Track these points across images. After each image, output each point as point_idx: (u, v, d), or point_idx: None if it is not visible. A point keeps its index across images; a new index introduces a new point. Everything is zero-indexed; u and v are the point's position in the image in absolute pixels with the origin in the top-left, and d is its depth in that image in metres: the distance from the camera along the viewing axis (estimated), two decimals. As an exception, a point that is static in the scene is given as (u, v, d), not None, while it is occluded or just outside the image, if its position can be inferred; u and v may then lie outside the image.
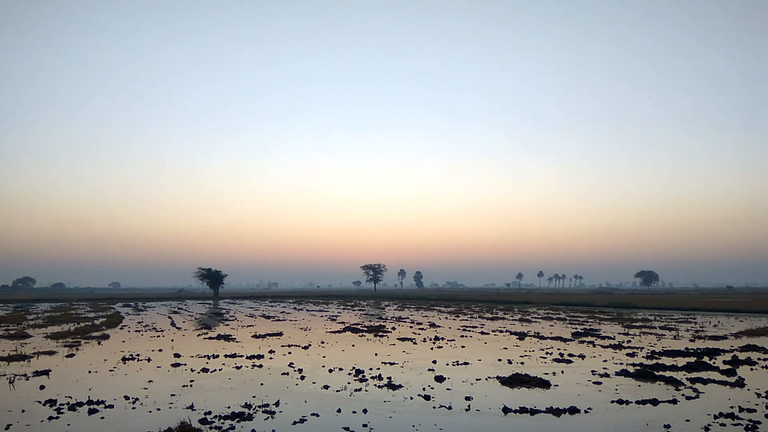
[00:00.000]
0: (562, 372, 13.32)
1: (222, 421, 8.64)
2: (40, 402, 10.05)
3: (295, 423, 8.56)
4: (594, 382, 11.87)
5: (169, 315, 42.51)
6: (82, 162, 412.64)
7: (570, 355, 16.39)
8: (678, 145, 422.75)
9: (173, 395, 10.68)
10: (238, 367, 14.30)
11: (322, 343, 20.67)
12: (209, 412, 9.13)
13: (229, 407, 9.56)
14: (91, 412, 9.28)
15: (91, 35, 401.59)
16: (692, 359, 15.19)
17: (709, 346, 18.89)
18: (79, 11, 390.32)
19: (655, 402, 9.79)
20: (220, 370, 13.96)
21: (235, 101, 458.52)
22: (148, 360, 15.88)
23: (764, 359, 15.55)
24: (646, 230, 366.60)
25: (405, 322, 32.80)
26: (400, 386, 11.47)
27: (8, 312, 48.26)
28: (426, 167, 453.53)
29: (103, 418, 8.94)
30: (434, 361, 15.22)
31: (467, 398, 10.25)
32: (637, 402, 9.81)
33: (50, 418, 8.91)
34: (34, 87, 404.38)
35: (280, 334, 24.42)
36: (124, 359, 15.92)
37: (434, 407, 9.59)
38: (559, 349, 17.80)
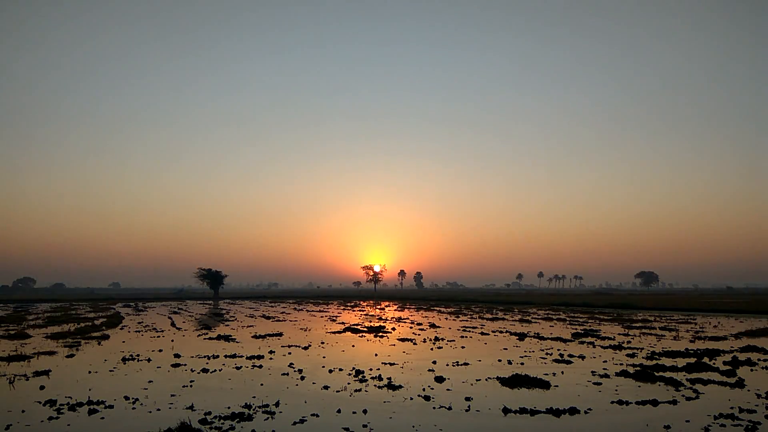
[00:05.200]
0: (562, 372, 13.31)
1: (222, 421, 8.64)
2: (40, 402, 10.04)
3: (295, 423, 8.56)
4: (594, 383, 11.86)
5: (169, 315, 42.49)
6: (82, 162, 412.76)
7: (570, 355, 16.38)
8: (678, 145, 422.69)
9: (173, 395, 10.68)
10: (238, 368, 14.29)
11: (322, 343, 20.66)
12: (209, 413, 9.13)
13: (229, 407, 9.56)
14: (91, 412, 9.28)
15: (96, 38, 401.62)
16: (692, 360, 15.18)
17: (709, 346, 18.88)
18: (81, 12, 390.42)
19: (655, 402, 9.79)
20: (220, 370, 13.95)
21: (234, 100, 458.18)
22: (148, 360, 15.87)
23: (764, 360, 15.55)
24: (646, 231, 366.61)
25: (405, 322, 32.79)
26: (400, 387, 11.47)
27: (8, 312, 48.23)
28: (426, 168, 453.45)
29: (103, 418, 8.94)
30: (434, 362, 15.21)
31: (467, 399, 10.25)
32: (637, 402, 9.81)
33: (50, 418, 8.90)
34: (35, 87, 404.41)
35: (280, 334, 24.42)
36: (124, 359, 15.91)
37: (434, 408, 9.59)
38: (559, 350, 17.79)
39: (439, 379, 12.30)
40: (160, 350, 18.38)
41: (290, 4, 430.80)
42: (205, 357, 16.48)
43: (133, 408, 9.63)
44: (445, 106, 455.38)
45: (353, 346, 19.75)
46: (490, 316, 39.21)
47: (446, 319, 36.10)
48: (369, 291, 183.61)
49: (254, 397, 10.53)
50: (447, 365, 14.62)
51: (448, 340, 21.17)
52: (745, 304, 52.26)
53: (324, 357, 16.54)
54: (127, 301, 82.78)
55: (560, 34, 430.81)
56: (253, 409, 9.43)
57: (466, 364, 14.86)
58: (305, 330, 27.24)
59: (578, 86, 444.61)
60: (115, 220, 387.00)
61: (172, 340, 21.91)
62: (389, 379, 12.37)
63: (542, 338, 21.90)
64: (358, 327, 28.21)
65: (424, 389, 11.21)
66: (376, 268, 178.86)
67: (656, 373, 12.76)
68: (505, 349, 18.34)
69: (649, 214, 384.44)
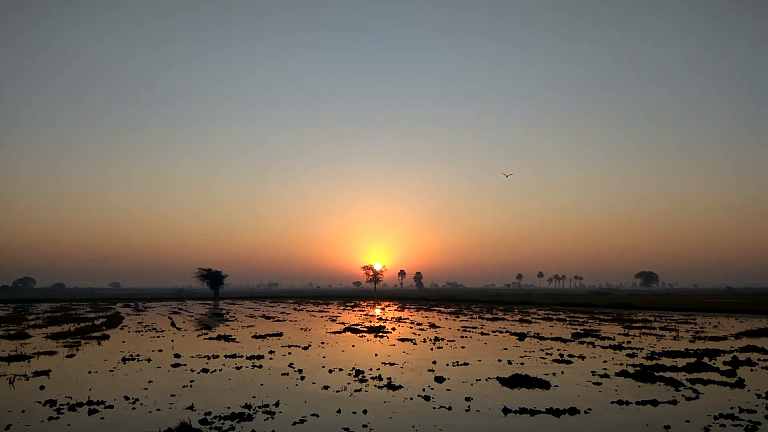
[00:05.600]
0: (562, 372, 13.31)
1: (222, 421, 8.64)
2: (40, 402, 10.04)
3: (295, 423, 8.56)
4: (594, 383, 11.86)
5: (169, 315, 42.48)
6: (82, 162, 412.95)
7: (570, 355, 16.38)
8: (678, 145, 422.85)
9: (173, 395, 10.68)
10: (238, 368, 14.29)
11: (322, 343, 20.66)
12: (209, 413, 9.13)
13: (229, 407, 9.56)
14: (91, 412, 9.28)
15: (99, 42, 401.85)
16: (692, 360, 15.18)
17: (709, 346, 18.87)
18: (86, 17, 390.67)
19: (655, 403, 9.79)
20: (220, 370, 13.95)
21: (233, 101, 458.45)
22: (148, 360, 15.87)
23: (764, 360, 15.55)
24: (646, 231, 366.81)
25: (405, 322, 32.79)
26: (400, 387, 11.47)
27: (8, 312, 48.23)
28: (426, 169, 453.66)
29: (103, 418, 8.93)
30: (434, 362, 15.21)
31: (467, 399, 10.25)
32: (637, 402, 9.81)
33: (50, 418, 8.90)
34: (36, 86, 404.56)
35: (280, 334, 24.41)
36: (124, 359, 15.91)
37: (434, 408, 9.59)
38: (559, 350, 17.79)
39: (439, 379, 12.30)
40: (160, 350, 18.37)
41: (299, 11, 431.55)
42: (205, 357, 16.48)
43: (133, 408, 9.63)
44: (445, 108, 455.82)
45: (353, 346, 19.74)
46: (490, 316, 39.20)
47: (446, 319, 36.09)
48: (369, 291, 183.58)
49: (254, 397, 10.53)
50: (447, 365, 14.61)
51: (448, 340, 21.16)
52: (745, 305, 52.24)
53: (324, 357, 16.54)
54: (127, 301, 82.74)
55: (560, 37, 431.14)
56: (253, 409, 9.43)
57: (466, 364, 14.86)
58: (305, 330, 27.23)
59: (578, 86, 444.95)
60: (115, 220, 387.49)
61: (172, 340, 21.90)
62: (389, 379, 12.36)
63: (542, 338, 21.89)
64: (358, 327, 28.20)
65: (424, 389, 11.21)
66: (377, 266, 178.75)
67: (656, 373, 12.76)
68: (505, 349, 18.34)
69: (650, 214, 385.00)
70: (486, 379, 12.37)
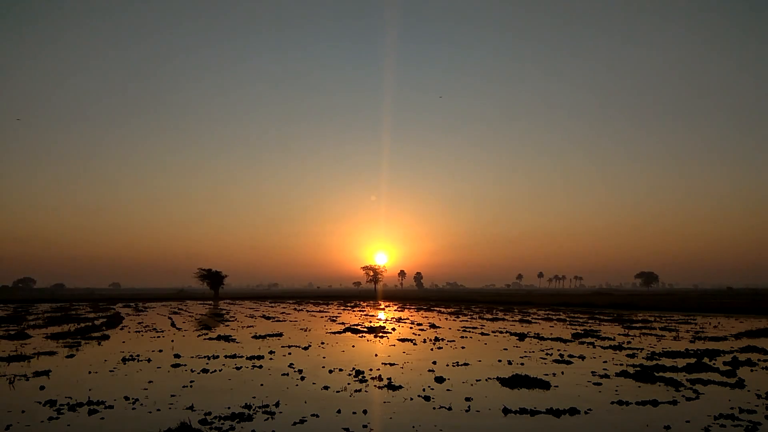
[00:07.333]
0: (562, 373, 13.31)
1: (222, 421, 8.64)
2: (40, 402, 10.05)
3: (295, 423, 8.56)
4: (594, 383, 11.86)
5: (169, 315, 42.47)
6: (82, 162, 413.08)
7: (570, 356, 16.38)
8: (678, 145, 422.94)
9: (173, 396, 10.68)
10: (238, 368, 14.29)
11: (322, 343, 20.65)
12: (209, 413, 9.13)
13: (229, 408, 9.56)
14: (91, 412, 9.28)
15: (98, 36, 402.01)
16: (692, 360, 15.18)
17: (709, 347, 18.87)
18: (81, 11, 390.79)
19: (655, 403, 9.79)
20: (220, 370, 13.95)
21: (233, 100, 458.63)
22: (148, 360, 15.87)
23: (764, 360, 15.54)
24: (647, 231, 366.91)
25: (405, 322, 32.77)
26: (400, 387, 11.47)
27: (8, 312, 48.23)
28: (426, 168, 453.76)
29: (103, 418, 8.94)
30: (434, 362, 15.21)
31: (467, 399, 10.25)
32: (637, 403, 9.81)
33: (50, 418, 8.90)
34: (36, 87, 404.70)
35: (280, 334, 24.41)
36: (124, 360, 15.91)
37: (434, 408, 9.59)
38: (559, 350, 17.79)
39: (439, 380, 12.30)
40: (160, 350, 18.37)
41: (297, 7, 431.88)
42: (205, 357, 16.48)
43: (133, 408, 9.63)
44: (445, 106, 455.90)
45: (353, 346, 19.74)
46: (490, 316, 39.19)
47: (446, 319, 36.08)
48: (369, 291, 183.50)
49: (254, 397, 10.53)
50: (447, 365, 14.61)
51: (448, 341, 21.16)
52: (745, 305, 52.21)
53: (324, 357, 16.54)
54: (127, 301, 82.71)
55: (559, 30, 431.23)
56: (253, 410, 9.43)
57: (466, 364, 14.86)
58: (305, 330, 27.23)
59: (578, 85, 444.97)
60: (115, 220, 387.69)
61: (172, 341, 21.89)
62: (389, 379, 12.36)
63: (542, 338, 21.88)
64: (358, 327, 28.20)
65: (424, 389, 11.21)
66: (383, 257, 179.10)
67: (656, 374, 12.76)
68: (505, 349, 18.33)
69: (649, 214, 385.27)
70: (486, 380, 12.37)
